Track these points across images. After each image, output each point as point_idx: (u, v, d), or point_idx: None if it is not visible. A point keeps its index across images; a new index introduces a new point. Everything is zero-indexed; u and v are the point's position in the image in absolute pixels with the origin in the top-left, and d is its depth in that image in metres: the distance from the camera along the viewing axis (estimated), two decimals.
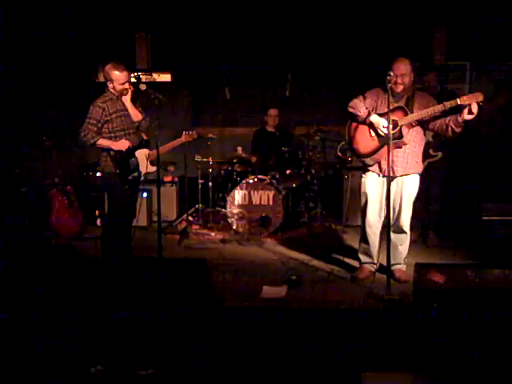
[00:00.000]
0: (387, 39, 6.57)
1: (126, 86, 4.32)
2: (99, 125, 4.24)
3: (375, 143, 4.18)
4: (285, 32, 6.97)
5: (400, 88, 4.08)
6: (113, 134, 4.31)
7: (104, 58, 7.71)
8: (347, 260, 4.88)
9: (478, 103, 3.76)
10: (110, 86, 4.31)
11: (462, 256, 4.91)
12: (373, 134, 4.18)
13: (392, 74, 3.91)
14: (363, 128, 4.24)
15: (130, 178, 4.40)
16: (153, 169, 4.56)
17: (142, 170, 4.53)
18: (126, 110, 4.38)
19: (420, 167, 4.26)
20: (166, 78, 7.50)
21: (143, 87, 4.18)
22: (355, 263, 4.76)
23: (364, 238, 4.39)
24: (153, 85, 4.56)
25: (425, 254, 4.96)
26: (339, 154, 6.31)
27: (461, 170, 5.74)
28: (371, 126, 4.17)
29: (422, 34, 6.67)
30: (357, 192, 6.15)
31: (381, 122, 4.07)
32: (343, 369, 3.02)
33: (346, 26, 6.86)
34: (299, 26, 6.94)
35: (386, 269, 4.12)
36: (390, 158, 4.02)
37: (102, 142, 4.27)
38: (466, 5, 6.56)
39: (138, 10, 6.97)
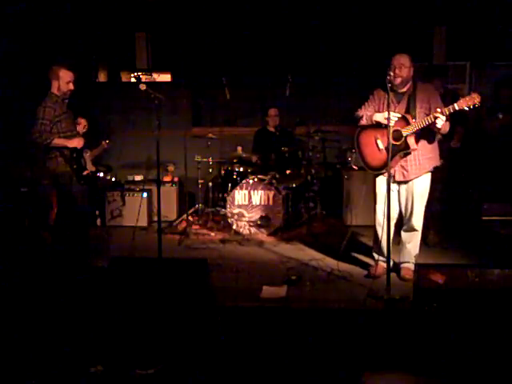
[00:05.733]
0: (387, 39, 6.57)
1: (71, 86, 4.56)
2: (51, 125, 4.45)
3: (383, 155, 4.13)
4: (285, 32, 6.97)
5: (398, 81, 4.04)
6: (62, 135, 4.52)
7: (104, 58, 7.79)
8: (347, 260, 4.88)
9: (474, 105, 3.76)
10: (55, 85, 4.53)
11: (462, 256, 4.91)
12: (380, 145, 4.17)
13: (392, 73, 3.91)
14: (370, 141, 4.23)
15: (84, 174, 4.69)
16: (93, 168, 4.89)
17: (88, 169, 4.89)
18: (68, 112, 4.63)
19: (435, 160, 4.21)
20: (166, 78, 7.50)
21: (143, 87, 4.19)
22: (355, 263, 4.77)
23: (377, 237, 4.37)
24: (153, 85, 4.56)
25: (425, 254, 4.94)
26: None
27: (461, 169, 5.73)
28: (377, 130, 4.16)
29: (422, 33, 6.67)
30: (356, 192, 6.22)
31: (385, 115, 3.98)
32: (343, 369, 3.02)
33: (346, 26, 6.87)
34: (299, 26, 6.94)
35: (395, 267, 4.18)
36: (400, 164, 4.07)
37: (57, 141, 4.48)
38: (466, 5, 6.56)
39: (137, 10, 6.97)
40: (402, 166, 4.13)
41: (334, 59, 6.97)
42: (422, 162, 4.15)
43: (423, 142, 4.13)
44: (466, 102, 3.77)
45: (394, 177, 4.18)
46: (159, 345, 3.16)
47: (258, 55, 7.11)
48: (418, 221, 4.26)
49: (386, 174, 4.23)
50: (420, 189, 4.20)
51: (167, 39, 7.29)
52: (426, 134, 4.09)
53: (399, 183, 4.24)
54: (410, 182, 4.20)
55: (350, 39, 6.88)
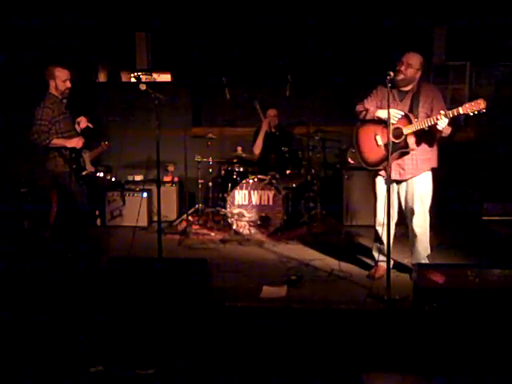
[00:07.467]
0: (387, 39, 6.57)
1: (68, 84, 4.57)
2: (50, 125, 4.45)
3: (381, 151, 4.13)
4: (285, 32, 6.97)
5: (400, 76, 4.00)
6: (60, 135, 4.52)
7: (104, 58, 7.79)
8: (347, 260, 4.88)
9: (479, 111, 3.74)
10: (53, 85, 4.55)
11: (462, 256, 4.91)
12: (379, 142, 4.16)
13: (397, 68, 3.89)
14: (369, 136, 4.21)
15: (84, 174, 4.64)
16: (92, 168, 4.83)
17: (87, 169, 4.78)
18: (67, 112, 4.63)
19: (433, 162, 4.18)
20: (166, 78, 7.50)
21: (143, 87, 4.20)
22: (355, 263, 4.76)
23: (377, 237, 4.36)
24: (153, 85, 4.56)
25: None
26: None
27: (461, 169, 5.74)
28: (378, 126, 4.15)
29: (422, 33, 6.66)
30: (356, 192, 6.22)
31: (391, 112, 3.94)
32: (343, 369, 3.02)
33: (346, 26, 6.86)
34: (299, 26, 6.94)
35: (401, 266, 4.20)
36: (396, 163, 4.07)
37: (56, 142, 4.49)
38: (466, 5, 6.56)
39: (138, 10, 6.97)
40: (399, 165, 4.12)
41: (334, 59, 6.97)
42: (419, 162, 4.13)
43: (422, 143, 4.12)
44: (472, 107, 3.75)
45: (390, 175, 4.18)
46: (159, 345, 3.16)
47: (257, 55, 7.10)
48: (421, 222, 4.20)
49: (382, 172, 4.24)
50: (421, 189, 4.17)
51: (167, 39, 7.29)
52: (426, 135, 4.07)
53: (397, 182, 4.23)
54: (410, 182, 4.18)
55: (350, 39, 6.88)
